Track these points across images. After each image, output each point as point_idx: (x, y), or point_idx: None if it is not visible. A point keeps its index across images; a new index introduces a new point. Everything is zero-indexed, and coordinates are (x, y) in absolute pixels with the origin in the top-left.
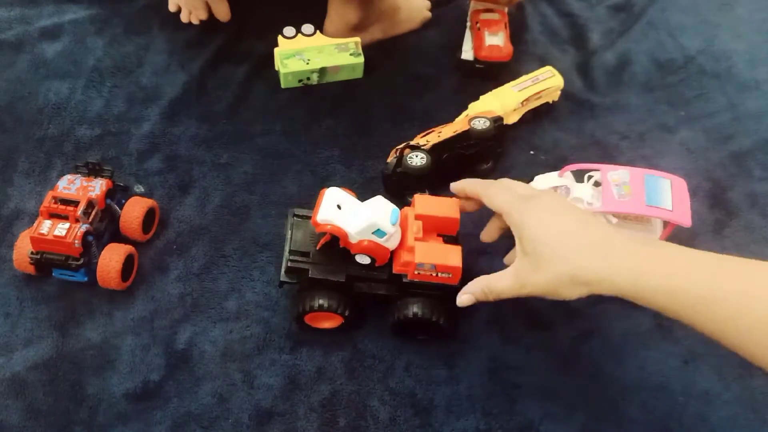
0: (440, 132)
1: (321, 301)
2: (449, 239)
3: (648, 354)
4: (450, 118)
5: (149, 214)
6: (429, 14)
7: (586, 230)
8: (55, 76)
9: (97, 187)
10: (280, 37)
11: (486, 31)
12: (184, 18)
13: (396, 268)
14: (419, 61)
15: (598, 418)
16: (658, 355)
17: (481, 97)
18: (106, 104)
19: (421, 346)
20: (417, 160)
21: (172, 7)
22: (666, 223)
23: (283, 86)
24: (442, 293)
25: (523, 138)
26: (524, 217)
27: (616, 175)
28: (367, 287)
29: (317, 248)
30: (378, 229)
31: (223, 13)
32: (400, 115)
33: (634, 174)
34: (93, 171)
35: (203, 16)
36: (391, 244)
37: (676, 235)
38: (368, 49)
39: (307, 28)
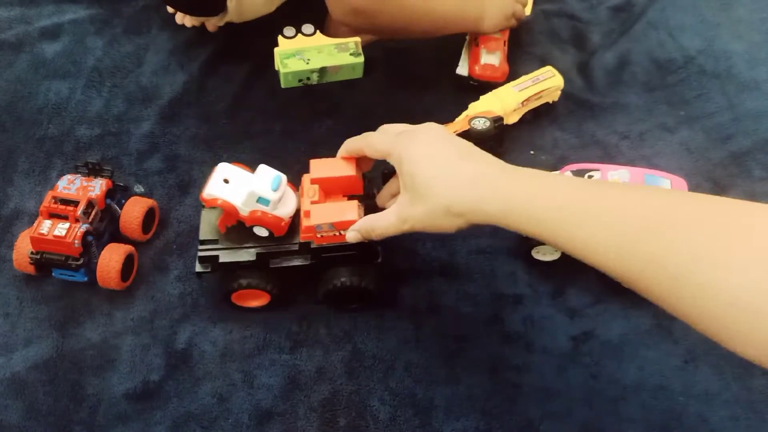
0: None
1: (245, 280)
2: (362, 199)
3: (648, 354)
4: (450, 118)
5: (149, 214)
6: None
7: (460, 162)
8: (55, 76)
9: (97, 187)
10: (280, 37)
11: (483, 48)
12: (178, 20)
13: (302, 236)
14: (419, 61)
15: (598, 418)
16: (658, 355)
17: (481, 97)
18: (106, 104)
19: (421, 345)
20: None
21: (170, 8)
22: None
23: (283, 86)
24: (358, 253)
25: (523, 138)
26: (402, 152)
27: (616, 175)
28: (283, 261)
29: (222, 231)
30: (260, 197)
31: (211, 26)
32: (400, 115)
33: (634, 174)
34: (93, 171)
35: (196, 22)
36: (283, 212)
37: None
38: (368, 49)
39: (307, 28)
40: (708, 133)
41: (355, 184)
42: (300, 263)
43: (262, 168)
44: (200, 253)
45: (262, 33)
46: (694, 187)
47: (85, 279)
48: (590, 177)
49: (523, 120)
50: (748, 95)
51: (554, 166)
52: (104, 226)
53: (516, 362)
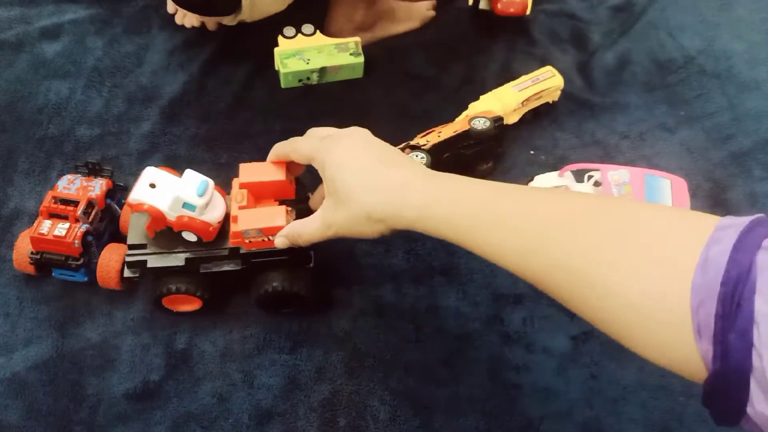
0: (440, 132)
1: (175, 285)
2: (294, 203)
3: None
4: (450, 118)
5: None
6: (431, 13)
7: (381, 167)
8: (55, 76)
9: (97, 187)
10: (280, 37)
11: None
12: (178, 20)
13: (231, 242)
14: (419, 61)
15: (598, 418)
16: None
17: (481, 97)
18: (106, 104)
19: (421, 345)
20: (417, 160)
21: (170, 8)
22: None
23: (283, 86)
24: (289, 257)
25: (523, 138)
26: (325, 156)
27: (616, 175)
28: (213, 266)
29: (150, 236)
30: (185, 203)
31: (212, 25)
32: (400, 115)
33: (634, 174)
34: (93, 171)
35: (195, 22)
36: (211, 217)
37: None
38: (368, 49)
39: (307, 28)
40: (708, 133)
41: (285, 189)
42: (230, 268)
43: (189, 173)
44: (128, 258)
45: (262, 33)
46: (694, 187)
47: (85, 279)
48: (590, 177)
49: (523, 120)
50: (748, 95)
51: (554, 166)
52: (104, 226)
53: (516, 362)
